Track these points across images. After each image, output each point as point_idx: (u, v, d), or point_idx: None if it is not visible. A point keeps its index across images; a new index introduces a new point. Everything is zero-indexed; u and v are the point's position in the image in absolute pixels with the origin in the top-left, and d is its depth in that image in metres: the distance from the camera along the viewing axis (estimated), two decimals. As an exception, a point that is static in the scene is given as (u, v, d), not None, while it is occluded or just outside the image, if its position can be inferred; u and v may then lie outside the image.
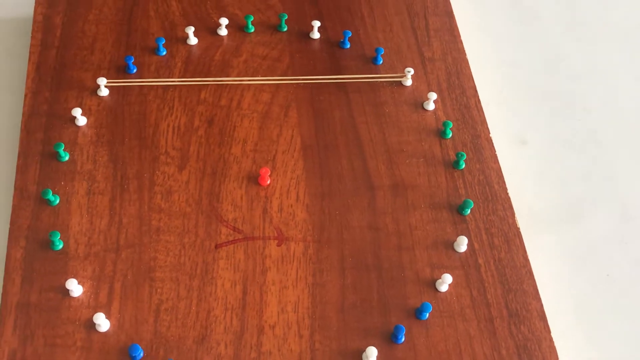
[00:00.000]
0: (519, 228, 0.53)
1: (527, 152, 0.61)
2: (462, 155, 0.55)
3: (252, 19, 0.63)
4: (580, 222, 0.57)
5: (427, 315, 0.48)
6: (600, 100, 0.65)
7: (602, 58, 0.68)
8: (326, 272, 0.50)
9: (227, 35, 0.64)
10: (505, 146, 0.61)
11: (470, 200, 0.53)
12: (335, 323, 0.47)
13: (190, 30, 0.62)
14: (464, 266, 0.51)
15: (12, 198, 0.52)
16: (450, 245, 0.52)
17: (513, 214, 0.54)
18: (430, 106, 0.59)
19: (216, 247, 0.51)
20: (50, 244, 0.50)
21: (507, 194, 0.55)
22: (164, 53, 0.62)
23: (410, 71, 0.61)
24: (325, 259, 0.50)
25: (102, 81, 0.58)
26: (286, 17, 0.64)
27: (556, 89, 0.66)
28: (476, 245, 0.52)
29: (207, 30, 0.64)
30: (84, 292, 0.48)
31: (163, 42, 0.62)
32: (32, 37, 0.62)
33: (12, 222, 0.51)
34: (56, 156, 0.55)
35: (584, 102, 0.65)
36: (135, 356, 0.45)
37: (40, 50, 0.61)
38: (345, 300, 0.49)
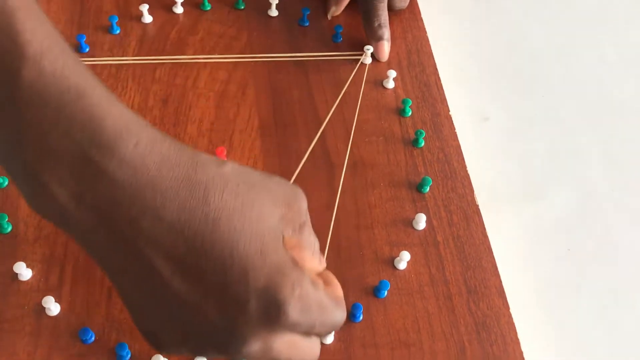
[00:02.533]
0: (478, 205, 0.53)
1: (488, 129, 0.60)
2: (421, 133, 0.55)
3: (208, -4, 0.62)
4: (541, 198, 0.57)
5: (385, 293, 0.48)
6: (562, 78, 0.65)
7: (565, 37, 0.68)
8: (283, 251, 0.49)
9: (183, 13, 0.62)
10: (467, 124, 0.60)
11: (429, 178, 0.53)
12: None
13: (145, 8, 0.60)
14: (423, 244, 0.50)
15: (-42, 181, 0.51)
16: (409, 223, 0.51)
17: (472, 191, 0.53)
18: (390, 84, 0.59)
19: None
20: (-3, 227, 0.48)
21: (467, 171, 0.54)
22: (118, 31, 0.60)
23: (370, 49, 0.60)
24: (282, 238, 0.50)
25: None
26: (244, -5, 0.63)
27: (518, 67, 0.65)
28: (435, 223, 0.51)
29: (163, 7, 0.62)
30: (33, 276, 0.47)
31: (116, 21, 0.60)
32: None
33: (-42, 205, 0.49)
34: (5, 137, 0.53)
35: (546, 80, 0.65)
36: (85, 339, 0.44)
37: None
38: (302, 279, 0.48)
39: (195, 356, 0.41)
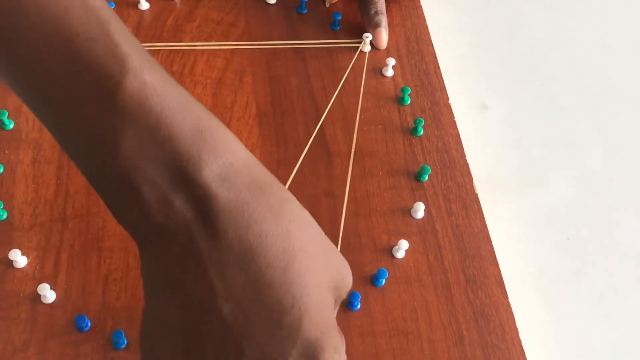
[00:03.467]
0: (477, 194, 0.52)
1: (488, 117, 0.60)
2: (420, 121, 0.55)
3: (206, -17, 0.61)
4: (541, 187, 0.57)
5: (384, 281, 0.47)
6: (562, 66, 0.65)
7: (565, 25, 0.68)
8: (281, 239, 0.49)
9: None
10: (467, 112, 0.60)
11: (428, 167, 0.52)
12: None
13: (142, -6, 0.60)
14: (421, 232, 0.50)
15: (-48, 167, 0.50)
16: (407, 212, 0.51)
17: (471, 180, 0.53)
18: (389, 72, 0.58)
19: (168, 215, 0.49)
20: (-7, 214, 0.48)
21: (466, 160, 0.54)
22: (114, 18, 0.59)
23: (369, 37, 0.59)
24: (280, 226, 0.49)
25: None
26: (242, -18, 0.62)
27: (518, 55, 0.65)
28: (434, 212, 0.51)
29: (160, -6, 0.62)
30: (28, 263, 0.46)
31: (113, 7, 0.59)
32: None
33: (-47, 192, 0.49)
34: (0, 124, 0.52)
35: (546, 68, 0.64)
36: (81, 327, 0.44)
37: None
38: (300, 268, 0.48)
39: None
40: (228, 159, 0.32)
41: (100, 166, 0.32)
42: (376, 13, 0.59)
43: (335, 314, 0.35)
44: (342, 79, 0.58)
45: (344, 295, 0.35)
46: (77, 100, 0.31)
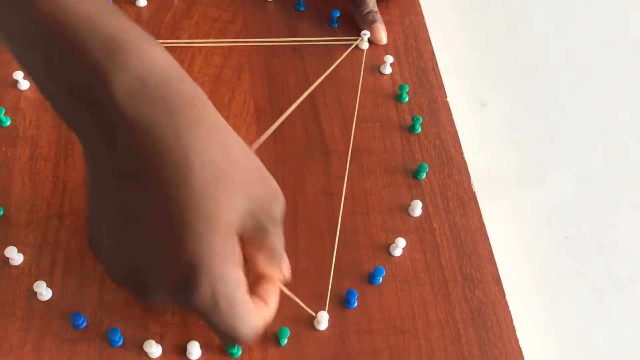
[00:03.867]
0: (474, 192, 0.52)
1: (487, 115, 0.60)
2: (417, 119, 0.54)
3: (204, -20, 0.61)
4: (540, 185, 0.56)
5: (381, 279, 0.47)
6: (561, 64, 0.64)
7: (564, 22, 0.68)
8: (278, 237, 0.49)
9: (178, -4, 0.62)
10: (465, 109, 0.60)
11: (426, 164, 0.52)
12: (288, 288, 0.46)
13: (139, -9, 0.60)
14: (419, 230, 0.50)
15: (-51, 164, 0.50)
16: (405, 210, 0.51)
17: (469, 178, 0.53)
18: (387, 70, 0.58)
19: (164, 213, 0.49)
20: (-11, 211, 0.48)
21: (463, 158, 0.54)
22: (112, 15, 0.59)
23: (367, 34, 0.59)
24: (277, 224, 0.49)
25: (46, 44, 0.56)
26: (240, -21, 0.62)
27: (517, 53, 0.65)
28: (431, 209, 0.51)
29: (157, -9, 0.61)
30: (24, 261, 0.46)
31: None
32: (-28, -2, 0.59)
33: (-51, 189, 0.49)
34: (-3, 121, 0.52)
35: (545, 65, 0.64)
36: (77, 324, 0.43)
37: (-19, 11, 0.59)
38: (298, 265, 0.48)
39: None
40: (139, 73, 0.33)
41: (38, 81, 0.36)
42: (369, 12, 0.59)
43: (256, 241, 0.38)
44: (340, 76, 0.58)
45: (268, 221, 0.38)
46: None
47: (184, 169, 0.34)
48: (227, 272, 0.36)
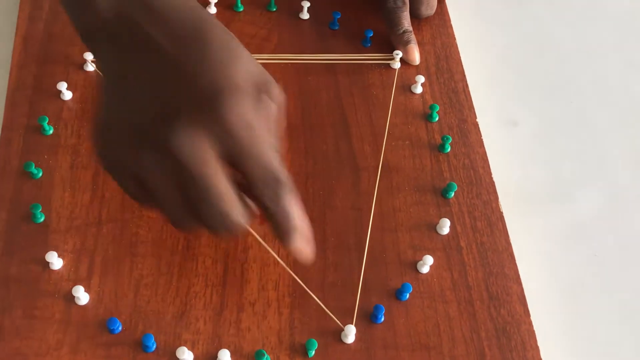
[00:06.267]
0: (502, 212, 0.53)
1: (517, 133, 0.61)
2: (447, 138, 0.55)
3: (241, -3, 0.63)
4: (569, 203, 0.57)
5: (408, 295, 0.48)
6: (591, 83, 0.65)
7: (593, 41, 0.68)
8: (308, 251, 0.50)
9: (216, 13, 0.63)
10: (496, 128, 0.61)
11: (454, 184, 0.53)
12: (315, 301, 0.47)
13: (179, 7, 0.61)
14: (446, 248, 0.51)
15: (-6, 170, 0.52)
16: (432, 228, 0.52)
17: (497, 198, 0.54)
18: (418, 89, 0.59)
19: (198, 223, 0.50)
20: (31, 217, 0.50)
21: (492, 178, 0.55)
22: (152, 30, 0.61)
23: (399, 54, 0.60)
24: (307, 238, 0.50)
25: (89, 56, 0.58)
26: (276, -3, 0.64)
27: (547, 72, 0.66)
28: (459, 228, 0.52)
29: (196, 8, 0.63)
30: (64, 265, 0.48)
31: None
32: (20, 10, 0.62)
33: (-6, 194, 0.51)
34: (40, 130, 0.54)
35: (575, 85, 0.65)
36: (113, 329, 0.45)
37: (27, 23, 0.61)
38: (325, 279, 0.49)
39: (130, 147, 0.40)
40: None
41: None
42: (404, 32, 0.61)
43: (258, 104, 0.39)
44: (371, 94, 0.59)
45: (265, 91, 0.40)
46: None
47: (203, 31, 0.39)
48: (251, 98, 0.39)
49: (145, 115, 0.38)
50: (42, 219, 0.50)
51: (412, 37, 0.61)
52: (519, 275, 0.50)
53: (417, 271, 0.50)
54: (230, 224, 0.39)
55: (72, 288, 0.46)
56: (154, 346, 0.45)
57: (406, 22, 0.61)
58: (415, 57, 0.60)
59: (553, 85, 0.65)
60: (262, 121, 0.39)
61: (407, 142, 0.56)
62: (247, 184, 0.40)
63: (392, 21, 0.61)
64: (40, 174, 0.52)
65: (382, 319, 0.47)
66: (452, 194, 0.53)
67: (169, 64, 0.38)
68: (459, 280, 0.49)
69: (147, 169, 0.38)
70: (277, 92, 0.41)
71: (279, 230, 0.41)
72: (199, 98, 0.37)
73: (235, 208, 0.39)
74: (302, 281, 0.48)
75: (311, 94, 0.59)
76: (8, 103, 0.56)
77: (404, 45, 0.60)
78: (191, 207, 0.39)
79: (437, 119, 0.58)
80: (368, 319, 0.47)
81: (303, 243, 0.42)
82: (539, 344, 0.47)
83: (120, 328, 0.45)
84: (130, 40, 0.39)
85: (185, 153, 0.37)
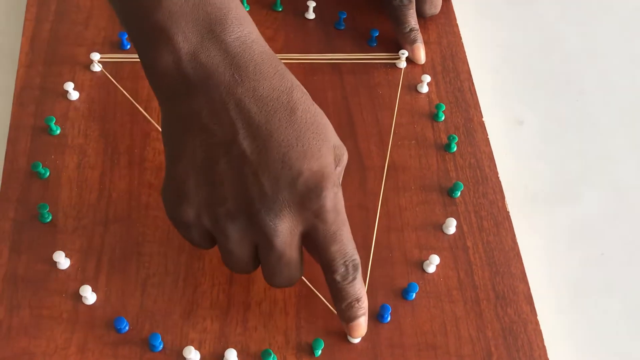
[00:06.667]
0: (508, 212, 0.53)
1: (523, 133, 0.61)
2: (453, 138, 0.55)
3: (247, -3, 0.63)
4: (575, 202, 0.57)
5: (414, 295, 0.48)
6: (596, 81, 0.65)
7: (599, 39, 0.68)
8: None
9: (222, 13, 0.63)
10: (502, 127, 0.60)
11: (461, 183, 0.53)
12: (322, 301, 0.47)
13: (185, 7, 0.62)
14: (452, 248, 0.51)
15: (1, 170, 0.52)
16: (439, 227, 0.52)
17: (503, 197, 0.54)
18: (424, 89, 0.59)
19: (205, 223, 0.51)
20: (38, 217, 0.50)
21: (498, 177, 0.55)
22: (158, 30, 0.61)
23: (405, 53, 0.60)
24: (313, 237, 0.50)
25: (96, 56, 0.58)
26: (282, -3, 0.64)
27: (553, 71, 0.65)
28: (465, 228, 0.52)
29: (202, 8, 0.63)
30: (71, 265, 0.48)
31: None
32: (27, 11, 0.62)
33: (1, 194, 0.51)
34: (47, 130, 0.55)
35: (580, 83, 0.65)
36: (120, 329, 0.45)
37: (34, 24, 0.61)
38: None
39: (212, 224, 0.42)
40: (247, 29, 0.41)
41: (143, 17, 0.40)
42: (411, 30, 0.60)
43: (336, 174, 0.43)
44: (377, 94, 0.59)
45: (340, 165, 0.43)
46: None
47: (292, 101, 0.41)
48: (338, 185, 0.42)
49: (238, 193, 0.40)
50: (49, 219, 0.50)
51: (419, 35, 0.61)
52: (525, 275, 0.50)
53: (424, 271, 0.50)
54: (291, 284, 0.44)
55: (79, 287, 0.47)
56: (161, 345, 0.45)
57: (413, 20, 0.61)
58: (422, 55, 0.60)
59: (559, 84, 0.65)
60: (342, 200, 0.42)
61: (413, 142, 0.56)
62: (322, 262, 0.43)
63: (399, 19, 0.61)
64: (48, 174, 0.52)
65: (389, 319, 0.47)
66: (459, 194, 0.53)
67: (261, 137, 0.39)
68: (465, 280, 0.49)
69: (229, 236, 0.40)
70: (346, 159, 0.44)
71: (347, 307, 0.44)
72: (301, 187, 0.40)
73: (299, 272, 0.43)
74: (308, 281, 0.48)
75: (317, 93, 0.59)
76: (15, 103, 0.56)
77: (410, 44, 0.60)
78: (258, 263, 0.42)
79: (443, 118, 0.58)
80: (374, 318, 0.47)
81: (365, 322, 0.45)
82: (546, 343, 0.47)
83: (127, 327, 0.46)
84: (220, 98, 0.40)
85: (280, 237, 0.40)
